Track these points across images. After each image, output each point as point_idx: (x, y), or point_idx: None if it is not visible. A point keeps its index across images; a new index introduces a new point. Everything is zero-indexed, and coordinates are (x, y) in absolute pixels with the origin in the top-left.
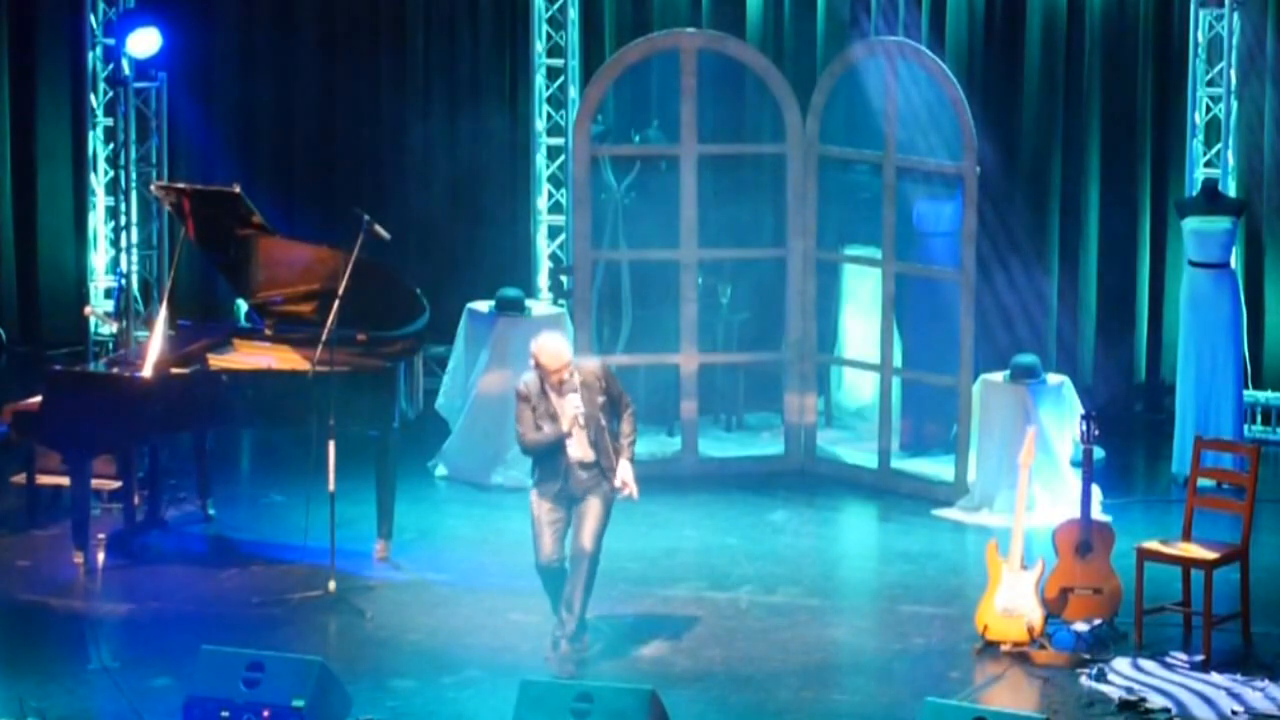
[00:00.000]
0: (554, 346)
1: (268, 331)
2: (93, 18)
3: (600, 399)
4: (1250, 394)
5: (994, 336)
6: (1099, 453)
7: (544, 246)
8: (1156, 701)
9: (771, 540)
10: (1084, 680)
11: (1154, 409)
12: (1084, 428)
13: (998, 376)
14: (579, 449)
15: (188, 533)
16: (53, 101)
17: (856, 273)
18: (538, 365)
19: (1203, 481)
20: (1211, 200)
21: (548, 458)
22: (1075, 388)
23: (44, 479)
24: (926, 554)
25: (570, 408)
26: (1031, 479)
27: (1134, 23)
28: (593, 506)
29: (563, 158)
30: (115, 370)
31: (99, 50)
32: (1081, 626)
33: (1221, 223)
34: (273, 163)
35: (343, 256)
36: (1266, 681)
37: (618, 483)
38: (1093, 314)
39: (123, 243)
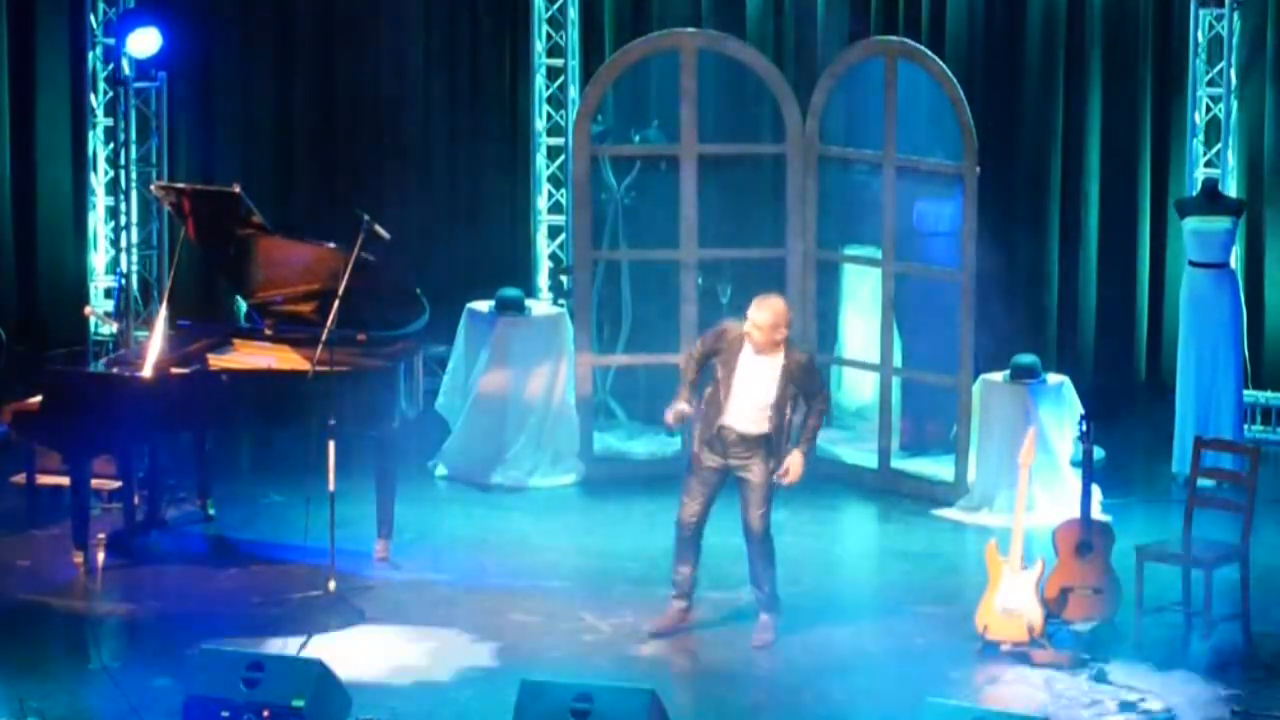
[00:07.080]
0: (768, 301)
1: (268, 331)
2: (93, 18)
3: (790, 388)
4: (1250, 394)
5: (994, 336)
6: (1099, 453)
7: (544, 246)
8: (1156, 702)
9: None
10: (1084, 680)
11: (1154, 409)
12: (1084, 428)
13: (998, 376)
14: (737, 416)
15: (188, 533)
16: (53, 101)
17: (856, 273)
18: (751, 323)
19: (1203, 481)
20: (1211, 200)
21: (710, 415)
22: (1075, 388)
23: (44, 479)
24: (926, 554)
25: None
26: (1031, 479)
27: (1134, 22)
28: (752, 485)
29: (563, 158)
30: (115, 370)
31: (99, 50)
32: (1081, 626)
33: (1221, 223)
34: (273, 163)
35: (343, 256)
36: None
37: (781, 470)
38: (1093, 314)
39: (123, 243)
